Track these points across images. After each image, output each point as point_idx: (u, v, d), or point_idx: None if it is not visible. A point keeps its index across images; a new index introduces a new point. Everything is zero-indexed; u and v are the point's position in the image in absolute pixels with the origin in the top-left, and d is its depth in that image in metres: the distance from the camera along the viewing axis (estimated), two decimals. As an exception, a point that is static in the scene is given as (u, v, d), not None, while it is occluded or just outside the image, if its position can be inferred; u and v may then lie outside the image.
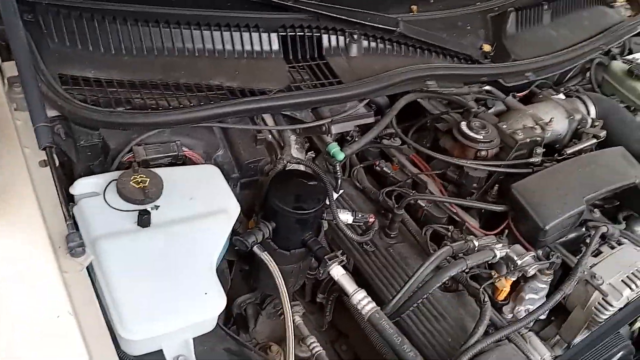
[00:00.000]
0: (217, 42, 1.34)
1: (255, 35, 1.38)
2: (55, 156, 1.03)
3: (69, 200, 1.03)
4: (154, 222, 1.02)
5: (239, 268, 1.37)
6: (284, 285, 1.11)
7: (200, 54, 1.32)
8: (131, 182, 1.06)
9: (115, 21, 1.27)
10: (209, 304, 0.96)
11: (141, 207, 1.03)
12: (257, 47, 1.38)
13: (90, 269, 0.94)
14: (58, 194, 0.99)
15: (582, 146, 1.47)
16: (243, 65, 1.35)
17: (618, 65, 1.89)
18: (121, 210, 1.03)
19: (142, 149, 1.18)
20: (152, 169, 1.11)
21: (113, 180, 1.06)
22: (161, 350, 0.92)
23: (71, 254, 0.92)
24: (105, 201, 1.04)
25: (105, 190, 1.06)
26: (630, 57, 2.04)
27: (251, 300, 1.48)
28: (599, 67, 1.90)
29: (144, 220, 1.01)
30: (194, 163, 1.22)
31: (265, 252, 1.15)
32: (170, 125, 1.19)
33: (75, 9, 1.25)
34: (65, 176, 1.15)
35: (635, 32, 2.07)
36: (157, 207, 1.05)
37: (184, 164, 1.22)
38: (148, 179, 1.07)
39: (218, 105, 1.21)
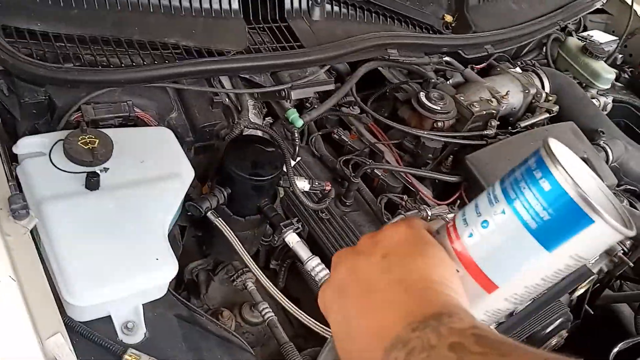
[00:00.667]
0: (173, -3, 1.28)
1: (213, -9, 1.33)
2: (-4, 113, 0.98)
3: (12, 160, 0.99)
4: (103, 184, 0.99)
5: (191, 234, 1.35)
6: (244, 249, 1.11)
7: (155, 10, 1.26)
8: (79, 143, 1.02)
9: (64, -29, 1.19)
10: (160, 269, 0.94)
11: (89, 169, 0.99)
12: (215, 5, 1.33)
13: (34, 233, 0.91)
14: (0, 153, 0.95)
15: (535, 120, 1.50)
16: (200, 23, 1.30)
17: (573, 41, 1.92)
18: (68, 171, 0.99)
19: (91, 108, 1.13)
20: (101, 130, 1.07)
21: (59, 140, 1.02)
22: (109, 316, 0.91)
23: (14, 217, 0.88)
24: (51, 162, 1.00)
25: (51, 150, 1.01)
26: (585, 34, 2.08)
27: (203, 267, 1.46)
28: (555, 43, 1.93)
29: (92, 182, 0.97)
30: (146, 125, 1.18)
31: (220, 219, 1.14)
32: (121, 83, 1.14)
33: (19, -45, 1.16)
34: (8, 134, 1.09)
35: (591, 10, 2.11)
36: (106, 169, 1.01)
37: (135, 125, 1.17)
38: (97, 140, 1.03)
39: (173, 65, 1.17)
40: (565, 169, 0.49)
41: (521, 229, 0.51)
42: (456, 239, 0.56)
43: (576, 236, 0.50)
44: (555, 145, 0.52)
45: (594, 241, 0.51)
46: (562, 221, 0.50)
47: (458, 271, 0.55)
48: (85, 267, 0.89)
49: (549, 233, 0.50)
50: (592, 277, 1.40)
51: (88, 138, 1.03)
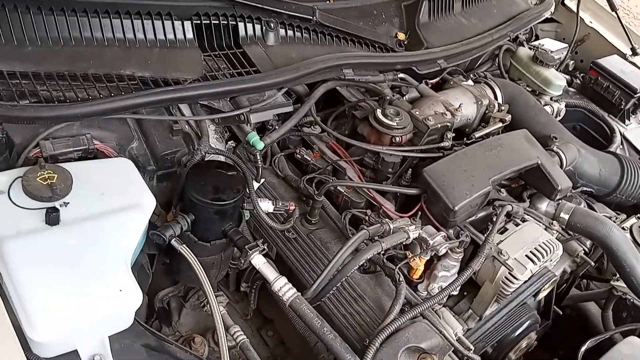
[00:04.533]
0: (127, 30, 1.30)
1: (167, 23, 1.35)
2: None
3: (-30, 200, 0.99)
4: (64, 219, 1.00)
5: (160, 262, 1.35)
6: (206, 277, 1.12)
7: (110, 43, 1.28)
8: (37, 179, 1.02)
9: (17, 10, 1.20)
10: (124, 300, 0.95)
11: (49, 205, 1.00)
12: (170, 36, 1.35)
13: (-5, 272, 0.91)
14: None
15: (489, 130, 1.55)
16: (155, 54, 1.32)
17: (524, 51, 1.98)
18: (27, 208, 1.00)
19: (49, 144, 1.14)
20: (60, 164, 1.08)
21: (18, 177, 1.02)
22: (76, 351, 0.91)
23: (-27, 257, 0.88)
24: (10, 199, 1.00)
25: (9, 187, 1.01)
26: (536, 43, 2.15)
27: (174, 294, 1.47)
28: (506, 54, 1.99)
29: (52, 218, 0.98)
30: (107, 156, 1.19)
31: (184, 245, 1.15)
32: (78, 118, 1.15)
33: (-29, -4, 1.17)
34: (-34, 174, 1.09)
35: (540, 20, 2.19)
36: (66, 203, 1.02)
37: (95, 157, 1.18)
38: (56, 175, 1.04)
39: (129, 97, 1.18)
40: None
41: None
42: None
43: None
44: None
45: None
46: None
47: None
48: (46, 303, 0.89)
49: None
50: (554, 279, 1.44)
51: (47, 174, 1.03)
